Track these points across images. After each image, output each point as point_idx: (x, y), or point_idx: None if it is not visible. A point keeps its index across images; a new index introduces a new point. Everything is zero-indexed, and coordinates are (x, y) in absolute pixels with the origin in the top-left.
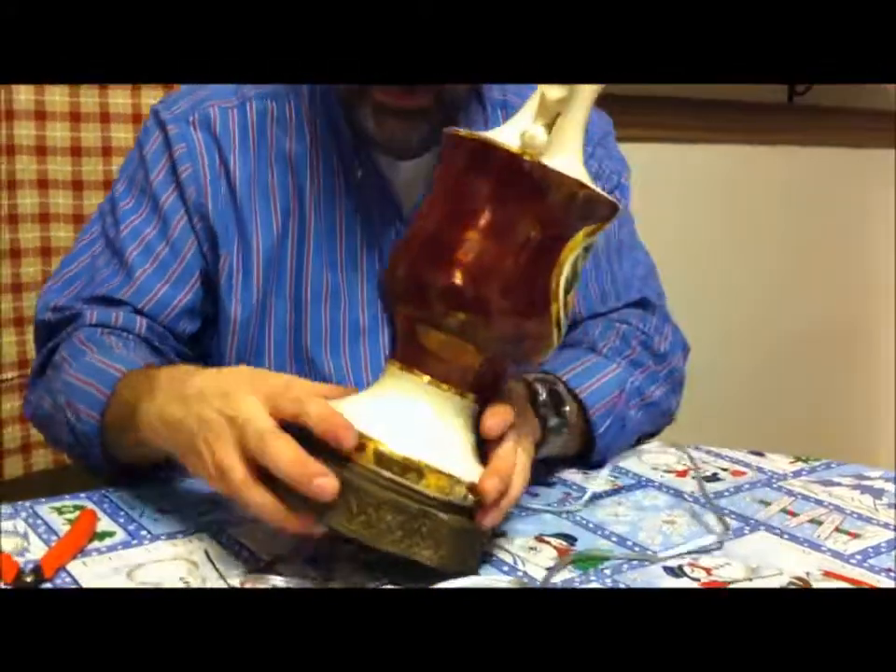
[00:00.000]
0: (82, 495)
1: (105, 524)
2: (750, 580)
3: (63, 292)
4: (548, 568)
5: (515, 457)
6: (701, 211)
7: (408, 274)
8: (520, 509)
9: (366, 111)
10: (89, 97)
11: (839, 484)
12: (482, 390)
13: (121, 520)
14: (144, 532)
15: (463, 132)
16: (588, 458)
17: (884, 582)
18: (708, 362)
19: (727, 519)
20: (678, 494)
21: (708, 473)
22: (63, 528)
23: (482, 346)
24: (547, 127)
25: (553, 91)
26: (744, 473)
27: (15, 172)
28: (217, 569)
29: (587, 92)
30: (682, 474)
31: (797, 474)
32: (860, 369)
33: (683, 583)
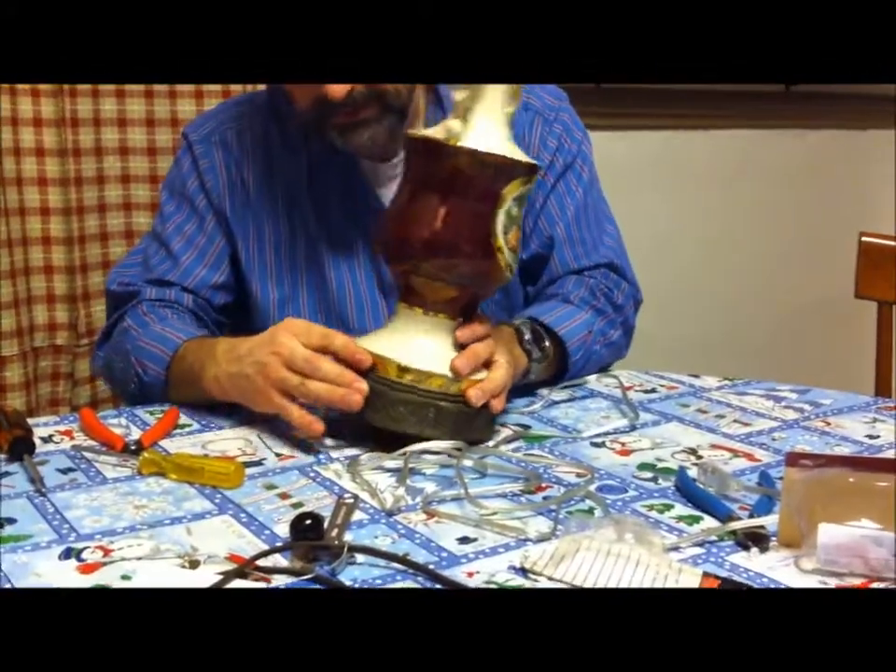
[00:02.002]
0: (167, 404)
1: (184, 419)
2: (652, 448)
3: (126, 272)
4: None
5: (487, 351)
6: (708, 191)
7: (391, 238)
8: None
9: (332, 134)
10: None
11: (751, 394)
12: (463, 314)
13: (196, 417)
14: (213, 424)
15: (410, 132)
16: (560, 381)
17: (758, 453)
18: (716, 334)
19: (637, 412)
20: (617, 400)
21: (648, 388)
22: (155, 421)
23: (452, 283)
24: (462, 119)
25: (459, 93)
26: (676, 388)
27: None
28: (265, 443)
29: (489, 90)
30: (627, 388)
31: (720, 388)
32: (860, 337)
33: (603, 452)
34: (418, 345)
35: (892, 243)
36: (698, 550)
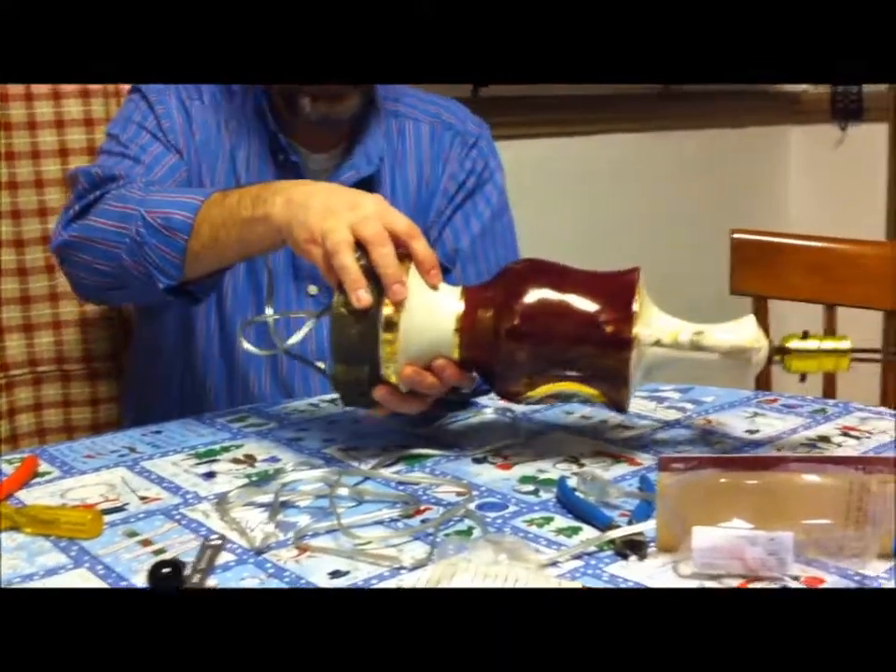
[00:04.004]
0: (26, 451)
1: (44, 467)
2: (534, 460)
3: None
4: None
5: (433, 392)
6: (592, 197)
7: (518, 281)
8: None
9: (304, 100)
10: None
11: (634, 396)
12: (466, 358)
13: (57, 464)
14: (74, 470)
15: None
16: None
17: (641, 456)
18: None
19: (524, 426)
20: (500, 413)
21: None
22: (12, 471)
23: (498, 348)
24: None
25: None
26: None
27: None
28: (129, 486)
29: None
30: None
31: None
32: None
33: (485, 468)
34: (424, 324)
35: (762, 238)
36: (577, 563)
